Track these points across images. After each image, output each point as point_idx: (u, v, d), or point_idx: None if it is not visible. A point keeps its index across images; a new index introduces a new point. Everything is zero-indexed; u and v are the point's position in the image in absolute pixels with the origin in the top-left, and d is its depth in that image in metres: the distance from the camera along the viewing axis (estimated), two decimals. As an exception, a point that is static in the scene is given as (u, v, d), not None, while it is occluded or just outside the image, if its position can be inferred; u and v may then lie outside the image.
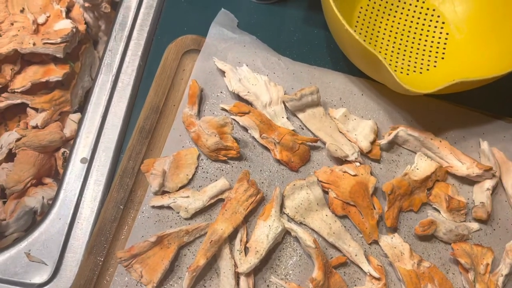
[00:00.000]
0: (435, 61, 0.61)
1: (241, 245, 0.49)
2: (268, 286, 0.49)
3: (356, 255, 0.50)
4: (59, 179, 0.63)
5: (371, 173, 0.53)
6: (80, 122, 0.56)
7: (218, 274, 0.49)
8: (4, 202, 0.63)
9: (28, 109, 0.65)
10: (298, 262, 0.50)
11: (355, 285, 0.49)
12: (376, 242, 0.51)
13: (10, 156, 0.62)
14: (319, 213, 0.51)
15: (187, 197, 0.50)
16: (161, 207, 0.50)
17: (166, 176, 0.50)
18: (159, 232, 0.48)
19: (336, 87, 0.57)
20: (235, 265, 0.48)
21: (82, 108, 0.68)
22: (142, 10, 0.61)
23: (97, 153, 0.54)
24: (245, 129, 0.54)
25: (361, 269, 0.50)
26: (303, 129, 0.55)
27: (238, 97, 0.55)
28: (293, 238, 0.51)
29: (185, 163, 0.52)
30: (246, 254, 0.49)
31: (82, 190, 0.53)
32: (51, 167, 0.63)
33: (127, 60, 0.59)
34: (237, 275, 0.48)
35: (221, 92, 0.56)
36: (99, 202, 0.52)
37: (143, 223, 0.50)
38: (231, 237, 0.49)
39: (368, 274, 0.49)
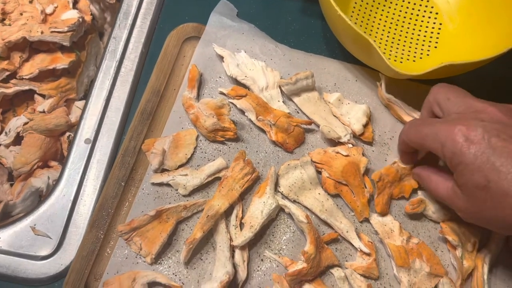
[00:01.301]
0: (428, 50, 0.63)
1: (236, 220, 0.51)
2: (262, 260, 0.51)
3: (347, 232, 0.52)
4: (63, 162, 0.67)
5: (363, 155, 0.55)
6: (84, 105, 0.59)
7: (214, 248, 0.51)
8: (11, 185, 0.66)
9: (35, 95, 0.68)
10: (292, 238, 0.52)
11: (346, 261, 0.52)
12: (367, 220, 0.54)
13: (18, 140, 0.65)
14: (312, 191, 0.54)
15: (186, 175, 0.53)
16: (160, 184, 0.53)
17: (166, 155, 0.53)
18: (158, 207, 0.50)
19: (331, 73, 0.60)
20: (231, 239, 0.50)
21: (87, 95, 0.72)
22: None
23: (100, 134, 0.57)
24: (242, 111, 0.56)
25: (352, 245, 0.52)
26: (298, 112, 0.58)
27: (236, 82, 0.58)
28: (287, 215, 0.53)
29: (184, 143, 0.54)
30: (241, 229, 0.51)
31: (85, 169, 0.55)
32: (56, 150, 0.66)
33: (130, 47, 0.62)
34: (232, 249, 0.50)
35: (220, 77, 0.58)
36: (102, 180, 0.55)
37: (143, 199, 0.52)
38: (227, 213, 0.52)
39: (359, 250, 0.51)
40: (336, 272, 0.51)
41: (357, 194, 0.53)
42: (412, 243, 0.51)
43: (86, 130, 0.58)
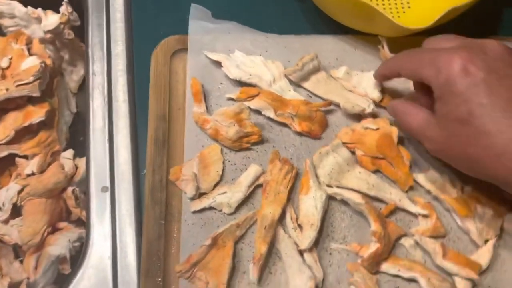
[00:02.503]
0: (408, 2, 0.64)
1: (293, 222, 0.49)
2: (330, 254, 0.50)
3: (400, 201, 0.51)
4: (72, 220, 0.61)
5: (390, 123, 0.54)
6: (87, 152, 0.54)
7: (279, 257, 0.49)
8: (21, 261, 0.60)
9: (17, 159, 0.62)
10: (351, 223, 0.51)
11: (409, 228, 0.51)
12: (411, 188, 0.53)
13: (14, 212, 0.59)
14: (351, 172, 0.52)
15: (225, 192, 0.50)
16: (202, 210, 0.50)
17: (198, 178, 0.50)
18: (211, 234, 0.47)
19: (329, 49, 0.58)
20: (295, 243, 0.48)
21: (71, 143, 0.66)
22: (112, 25, 0.60)
23: (116, 177, 0.53)
24: (257, 111, 0.54)
25: (409, 212, 0.51)
26: (311, 97, 0.56)
27: (240, 83, 0.55)
28: (337, 202, 0.51)
29: (211, 160, 0.52)
30: (301, 231, 0.49)
31: (113, 219, 0.51)
32: (61, 210, 0.61)
33: (114, 78, 0.57)
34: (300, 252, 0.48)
35: (222, 84, 0.56)
36: (136, 226, 0.51)
37: (190, 231, 0.49)
38: (279, 218, 0.50)
39: (418, 214, 0.51)
40: (405, 241, 0.50)
41: (397, 165, 0.52)
42: (467, 190, 0.51)
43: (99, 178, 0.53)
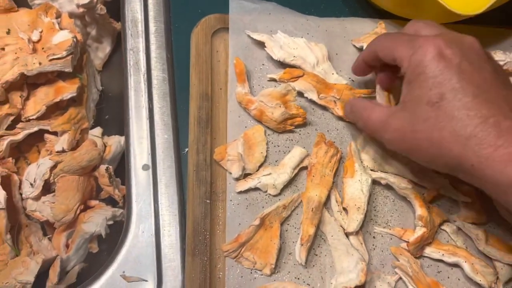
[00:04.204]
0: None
1: (338, 205, 0.50)
2: (374, 237, 0.51)
3: (443, 187, 0.52)
4: (101, 199, 0.61)
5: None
6: (126, 130, 0.54)
7: (324, 240, 0.49)
8: (50, 239, 0.60)
9: (46, 135, 0.61)
10: (394, 207, 0.52)
11: (451, 214, 0.52)
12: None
13: (45, 188, 0.59)
14: (395, 158, 0.53)
15: (270, 174, 0.50)
16: (247, 191, 0.50)
17: (243, 159, 0.50)
18: (259, 214, 0.48)
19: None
20: (341, 226, 0.49)
21: (97, 122, 0.66)
22: (149, 1, 0.59)
23: (157, 155, 0.53)
24: (300, 93, 0.54)
25: (451, 198, 0.52)
26: (353, 81, 0.56)
27: (283, 65, 0.55)
28: (380, 186, 0.52)
29: (256, 141, 0.52)
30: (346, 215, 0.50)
31: (156, 197, 0.51)
32: (92, 188, 0.60)
33: (153, 56, 0.57)
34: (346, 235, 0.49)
35: (263, 65, 0.56)
36: (178, 204, 0.51)
37: (235, 211, 0.49)
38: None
39: (460, 201, 0.52)
40: (448, 227, 0.51)
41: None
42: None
43: (139, 156, 0.53)
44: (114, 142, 0.63)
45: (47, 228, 0.62)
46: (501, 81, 0.41)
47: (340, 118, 0.55)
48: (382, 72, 0.51)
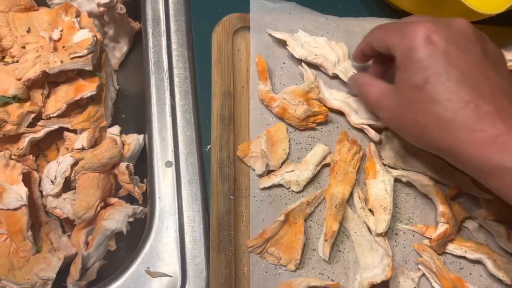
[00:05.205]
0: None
1: (361, 202, 0.50)
2: (396, 234, 0.51)
3: (465, 185, 0.53)
4: (120, 196, 0.62)
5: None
6: (149, 127, 0.55)
7: (347, 236, 0.50)
8: (69, 236, 0.60)
9: (65, 132, 0.62)
10: (415, 204, 0.53)
11: (472, 211, 0.53)
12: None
13: (65, 185, 0.59)
14: (416, 155, 0.53)
15: (292, 170, 0.51)
16: (270, 187, 0.51)
17: (267, 156, 0.51)
18: (283, 210, 0.48)
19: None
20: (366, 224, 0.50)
21: (114, 120, 0.67)
22: (170, 0, 0.60)
23: (180, 152, 0.53)
24: (320, 92, 0.55)
25: (472, 195, 0.53)
26: (372, 80, 0.57)
27: (304, 63, 0.56)
28: (401, 183, 0.53)
29: (278, 138, 0.52)
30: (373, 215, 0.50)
31: (179, 194, 0.52)
32: (111, 186, 0.61)
33: (174, 54, 0.58)
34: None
35: (284, 63, 0.57)
36: (201, 201, 0.52)
37: (259, 207, 0.50)
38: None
39: (481, 198, 0.52)
40: (469, 224, 0.52)
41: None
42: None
43: (162, 153, 0.53)
44: (133, 140, 0.63)
45: (65, 225, 0.62)
46: (489, 64, 0.42)
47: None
48: (375, 63, 0.53)
